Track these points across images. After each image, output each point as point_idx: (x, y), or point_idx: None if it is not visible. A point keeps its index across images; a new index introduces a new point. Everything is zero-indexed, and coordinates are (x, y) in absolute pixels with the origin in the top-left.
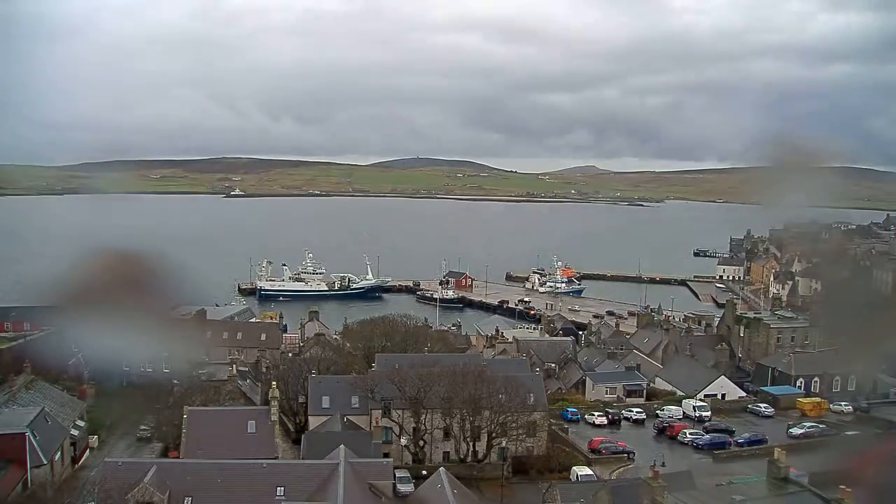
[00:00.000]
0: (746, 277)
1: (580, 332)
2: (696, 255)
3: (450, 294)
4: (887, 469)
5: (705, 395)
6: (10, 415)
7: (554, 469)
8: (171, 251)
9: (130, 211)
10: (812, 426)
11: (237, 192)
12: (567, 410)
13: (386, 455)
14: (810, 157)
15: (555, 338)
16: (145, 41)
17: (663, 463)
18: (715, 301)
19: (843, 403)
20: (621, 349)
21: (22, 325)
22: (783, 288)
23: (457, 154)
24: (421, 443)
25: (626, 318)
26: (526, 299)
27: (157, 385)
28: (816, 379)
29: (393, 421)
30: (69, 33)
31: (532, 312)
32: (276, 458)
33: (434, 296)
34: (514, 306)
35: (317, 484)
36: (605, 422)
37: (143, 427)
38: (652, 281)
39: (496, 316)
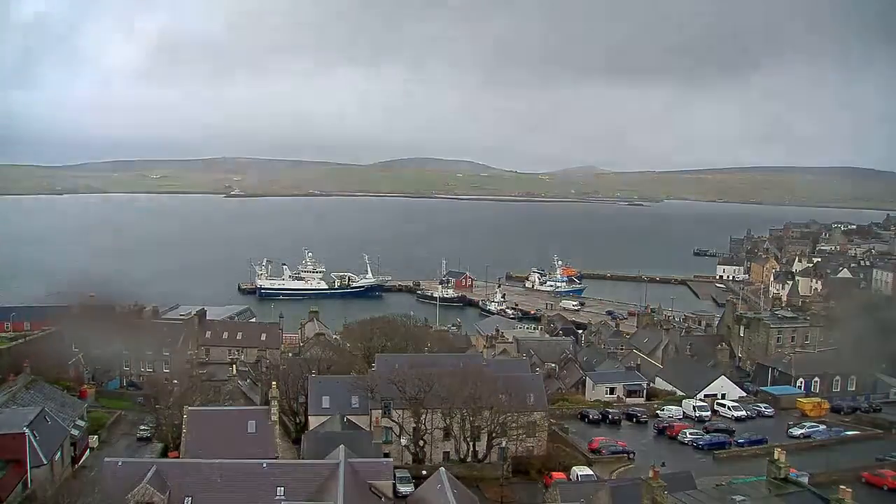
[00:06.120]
0: (746, 277)
1: (580, 332)
2: (696, 254)
3: (450, 293)
4: None
5: (705, 395)
6: (10, 415)
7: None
8: (171, 251)
9: (131, 211)
10: (812, 426)
11: (237, 192)
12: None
13: (386, 455)
14: None
15: (555, 338)
16: None
17: (663, 463)
18: (715, 301)
19: None
20: (621, 349)
21: (22, 325)
22: (783, 288)
23: (457, 154)
24: (421, 443)
25: (626, 318)
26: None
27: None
28: (816, 379)
29: (393, 421)
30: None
31: (532, 312)
32: (276, 458)
33: (434, 295)
34: (508, 309)
35: (317, 484)
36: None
37: (142, 427)
38: (652, 281)
39: (496, 316)
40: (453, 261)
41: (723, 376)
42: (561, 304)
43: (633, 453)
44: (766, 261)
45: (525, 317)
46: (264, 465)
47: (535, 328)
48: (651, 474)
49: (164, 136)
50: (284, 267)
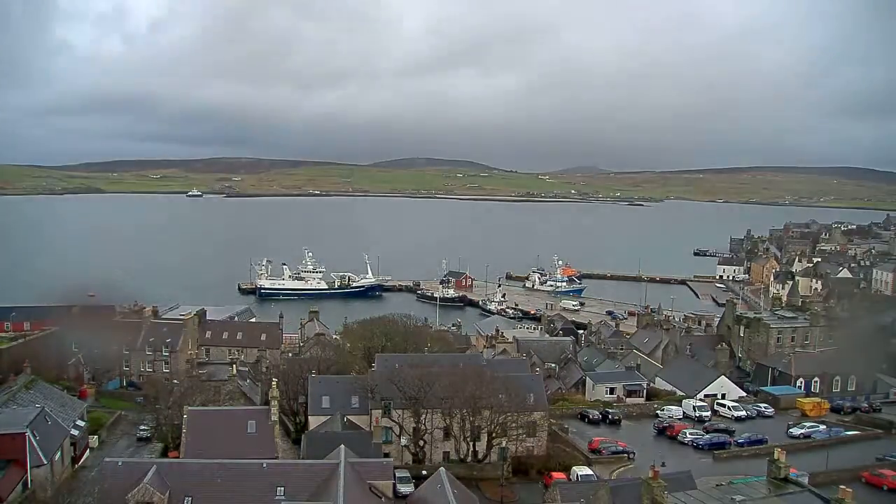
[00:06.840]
0: (746, 277)
1: (580, 332)
2: (696, 254)
3: (450, 293)
4: None
5: (705, 395)
6: (10, 415)
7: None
8: (171, 251)
9: (131, 211)
10: (812, 426)
11: (237, 192)
12: None
13: (386, 455)
14: None
15: (555, 338)
16: None
17: (663, 463)
18: (715, 301)
19: None
20: (621, 349)
21: (22, 325)
22: (783, 288)
23: (457, 154)
24: (421, 443)
25: (626, 318)
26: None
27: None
28: (816, 379)
29: (393, 421)
30: None
31: (532, 312)
32: (276, 458)
33: (434, 295)
34: (508, 309)
35: (317, 484)
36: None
37: (142, 427)
38: (652, 281)
39: (496, 316)
40: (453, 261)
41: (723, 376)
42: (561, 304)
43: (634, 453)
44: (766, 261)
45: (525, 317)
46: (264, 465)
47: (535, 328)
48: (651, 474)
49: (165, 136)
50: (284, 267)
